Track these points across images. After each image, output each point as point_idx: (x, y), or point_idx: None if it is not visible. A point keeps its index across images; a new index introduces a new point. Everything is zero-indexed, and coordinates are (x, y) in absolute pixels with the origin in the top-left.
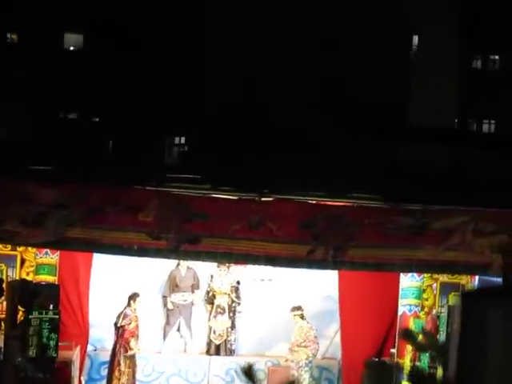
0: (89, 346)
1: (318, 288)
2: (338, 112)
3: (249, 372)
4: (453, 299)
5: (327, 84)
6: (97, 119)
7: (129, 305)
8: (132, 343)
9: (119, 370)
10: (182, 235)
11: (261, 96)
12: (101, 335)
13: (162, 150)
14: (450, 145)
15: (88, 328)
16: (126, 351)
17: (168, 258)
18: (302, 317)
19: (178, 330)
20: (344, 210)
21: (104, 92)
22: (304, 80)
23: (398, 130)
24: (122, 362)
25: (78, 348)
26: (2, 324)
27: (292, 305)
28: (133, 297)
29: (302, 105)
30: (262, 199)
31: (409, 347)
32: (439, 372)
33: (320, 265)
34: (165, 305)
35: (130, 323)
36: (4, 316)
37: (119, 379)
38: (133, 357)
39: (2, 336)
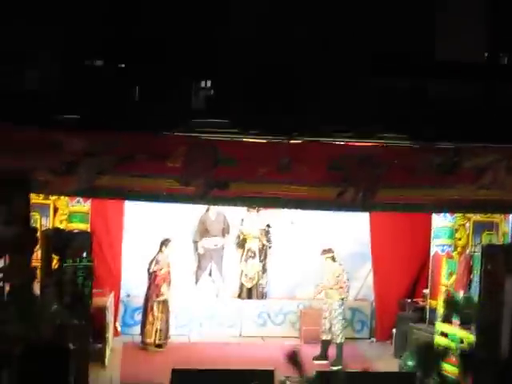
0: (122, 292)
1: (349, 230)
2: (362, 48)
3: (294, 358)
4: (486, 238)
5: (351, 20)
6: (123, 65)
7: (160, 250)
8: (163, 288)
9: (153, 315)
10: (211, 181)
11: (287, 37)
12: (134, 281)
13: (189, 95)
14: (480, 80)
15: (120, 275)
16: (158, 296)
17: (197, 203)
18: (333, 259)
19: (210, 274)
20: (373, 151)
21: (129, 37)
22: (329, 16)
23: (426, 66)
24: (154, 307)
25: (112, 295)
26: (38, 272)
27: (322, 247)
28: (164, 242)
29: (327, 43)
30: (291, 142)
31: (442, 288)
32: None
33: (349, 207)
34: (196, 250)
35: (161, 269)
36: (39, 265)
37: (153, 324)
38: (165, 302)
39: (38, 284)
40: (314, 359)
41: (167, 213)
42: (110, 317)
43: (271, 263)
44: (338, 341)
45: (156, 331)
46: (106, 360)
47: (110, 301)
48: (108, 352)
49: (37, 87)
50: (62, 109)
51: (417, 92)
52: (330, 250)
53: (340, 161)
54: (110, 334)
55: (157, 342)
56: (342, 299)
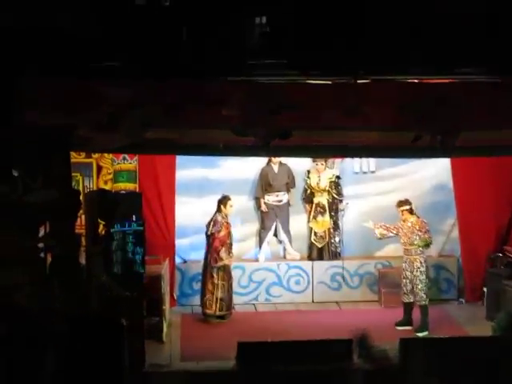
0: (177, 258)
1: (428, 178)
2: None
3: (364, 342)
4: None
5: None
6: (167, 3)
7: (219, 210)
8: (222, 253)
9: (212, 283)
10: (271, 129)
11: None
12: (191, 245)
13: (242, 34)
14: None
15: (174, 239)
16: (217, 262)
17: (257, 155)
18: (412, 211)
19: (275, 234)
20: (451, 89)
21: None
22: None
23: None
24: (214, 274)
25: (167, 261)
26: (83, 240)
27: (398, 198)
28: (223, 201)
29: None
30: (358, 82)
31: None
32: None
33: (427, 153)
34: (258, 207)
35: (219, 230)
36: (84, 231)
37: (213, 293)
38: (226, 268)
39: (84, 253)
40: (396, 325)
41: (224, 167)
42: (165, 286)
43: (344, 219)
44: (422, 303)
45: (217, 301)
46: (164, 335)
47: (164, 268)
48: (165, 326)
49: (72, 32)
50: (101, 55)
51: (498, 19)
52: (406, 202)
53: (414, 101)
54: (166, 305)
55: (218, 312)
56: (424, 256)
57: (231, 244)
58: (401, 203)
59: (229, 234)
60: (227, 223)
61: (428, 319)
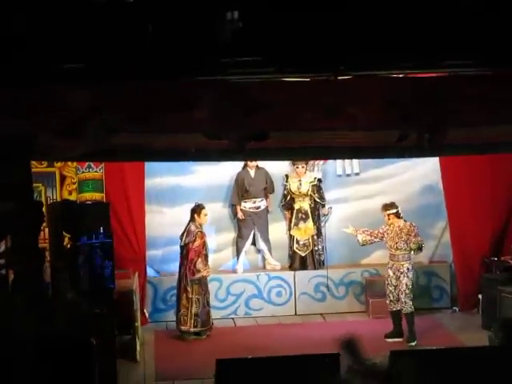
0: (149, 271)
1: (417, 179)
2: None
3: (350, 347)
4: None
5: None
6: None
7: (192, 219)
8: (199, 264)
9: (187, 298)
10: (246, 131)
11: None
12: (163, 257)
13: (213, 30)
14: None
15: (145, 251)
16: (193, 274)
17: (232, 159)
18: (398, 215)
19: (254, 243)
20: (438, 83)
21: None
22: None
23: None
24: (188, 288)
25: (136, 275)
26: (47, 254)
27: (384, 202)
28: (196, 210)
29: None
30: (338, 79)
31: None
32: None
33: (414, 152)
34: (234, 215)
35: (194, 240)
36: (47, 245)
37: (187, 308)
38: (202, 281)
39: (49, 269)
40: (386, 337)
41: (197, 173)
42: (137, 302)
43: (327, 224)
44: (408, 310)
45: (192, 316)
46: (137, 354)
47: (135, 283)
48: (138, 344)
49: (29, 34)
50: (60, 58)
51: (487, 7)
52: (392, 205)
53: (399, 98)
54: (138, 322)
55: (193, 329)
56: (411, 262)
57: (207, 255)
58: (386, 207)
59: (204, 244)
60: (201, 233)
61: (414, 328)
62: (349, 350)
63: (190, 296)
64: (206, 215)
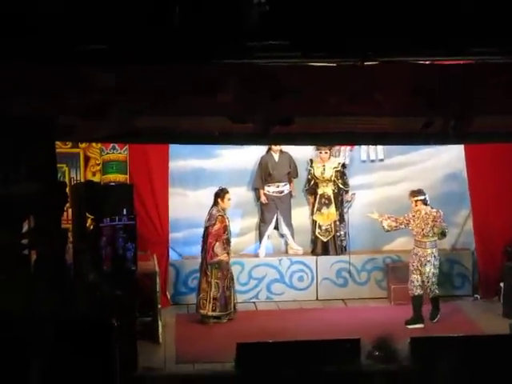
0: (172, 253)
1: (441, 167)
2: None
3: (384, 345)
4: None
5: None
6: None
7: (215, 203)
8: (217, 248)
9: (207, 281)
10: (271, 115)
11: None
12: (185, 240)
13: (239, 13)
14: None
15: (168, 234)
16: (212, 258)
17: (257, 144)
18: (426, 202)
19: (276, 227)
20: (465, 70)
21: None
22: None
23: None
24: (208, 272)
25: (155, 257)
26: (70, 236)
27: (411, 188)
28: (220, 194)
29: None
30: (365, 64)
31: None
32: None
33: (439, 139)
34: (258, 199)
35: (214, 224)
36: (70, 226)
37: (207, 292)
38: (221, 264)
39: (71, 250)
40: (406, 324)
41: (221, 156)
42: (158, 284)
43: (350, 210)
44: (436, 294)
45: (210, 300)
46: (160, 336)
47: (157, 265)
48: (160, 326)
49: (55, 14)
50: (86, 38)
51: None
52: (420, 192)
53: (426, 84)
54: (160, 304)
55: (211, 313)
56: (437, 249)
57: (228, 239)
58: (414, 193)
59: (225, 228)
60: (222, 217)
61: (439, 312)
62: (383, 349)
63: (209, 280)
64: (229, 200)
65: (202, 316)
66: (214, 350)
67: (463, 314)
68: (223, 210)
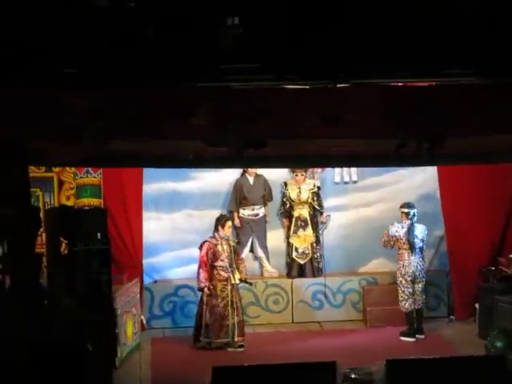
0: (146, 278)
1: (414, 188)
2: None
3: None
4: None
5: None
6: (132, 3)
7: (216, 229)
8: (201, 275)
9: (201, 308)
10: (245, 138)
11: None
12: (162, 264)
13: (213, 36)
14: None
15: (141, 258)
16: (198, 284)
17: (231, 166)
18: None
19: (252, 250)
20: (436, 91)
21: None
22: None
23: None
24: (203, 298)
25: (133, 282)
26: (44, 260)
27: (385, 209)
28: (221, 220)
29: None
30: (338, 86)
31: None
32: None
33: (412, 161)
34: (232, 222)
35: (200, 249)
36: (45, 250)
37: (200, 318)
38: (211, 292)
39: (46, 274)
40: (401, 335)
41: (195, 179)
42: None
43: (325, 232)
44: (423, 306)
45: (202, 327)
46: (117, 360)
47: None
48: (119, 351)
49: (28, 38)
50: (60, 62)
51: (487, 18)
52: (410, 205)
53: (397, 106)
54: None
55: (205, 339)
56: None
57: (218, 266)
58: (404, 205)
59: (213, 254)
60: (209, 243)
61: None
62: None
63: (203, 307)
64: (229, 227)
65: (198, 342)
66: (189, 373)
67: (439, 336)
68: (219, 236)
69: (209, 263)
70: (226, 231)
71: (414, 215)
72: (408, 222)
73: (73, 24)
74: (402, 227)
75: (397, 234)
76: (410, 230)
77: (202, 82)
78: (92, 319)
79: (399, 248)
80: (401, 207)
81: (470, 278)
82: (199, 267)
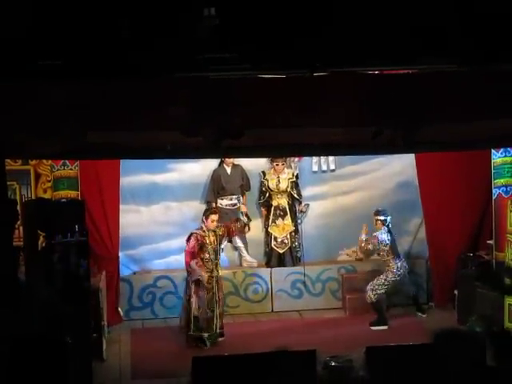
0: (125, 269)
1: (392, 175)
2: None
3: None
4: None
5: None
6: None
7: (202, 221)
8: (193, 265)
9: (188, 301)
10: (222, 129)
11: None
12: (140, 256)
13: (189, 27)
14: None
15: (118, 250)
16: (190, 276)
17: (208, 157)
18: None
19: (230, 241)
20: (412, 79)
21: None
22: None
23: None
24: (188, 291)
25: (104, 273)
26: (21, 253)
27: (364, 197)
28: (205, 212)
29: None
30: (314, 75)
31: (509, 237)
32: None
33: (389, 149)
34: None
35: (188, 241)
36: (22, 243)
37: (187, 310)
38: (200, 283)
39: (23, 268)
40: (371, 325)
41: (173, 170)
42: (103, 301)
43: (304, 221)
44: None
45: (191, 320)
46: (104, 352)
47: (102, 280)
48: (105, 343)
49: (3, 27)
50: (36, 55)
51: (462, 5)
52: (385, 212)
53: (373, 94)
54: (105, 321)
55: (192, 333)
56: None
57: (208, 258)
58: (378, 213)
59: (202, 245)
60: (197, 234)
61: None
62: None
63: (191, 299)
64: (213, 221)
65: (186, 335)
66: (169, 364)
67: (418, 322)
68: (205, 228)
69: (199, 254)
70: (209, 225)
71: (389, 222)
72: (385, 228)
73: (47, 15)
74: (386, 235)
75: (388, 241)
76: (391, 237)
77: (179, 72)
78: (70, 312)
79: (385, 256)
80: (375, 215)
81: (448, 265)
82: (189, 259)
